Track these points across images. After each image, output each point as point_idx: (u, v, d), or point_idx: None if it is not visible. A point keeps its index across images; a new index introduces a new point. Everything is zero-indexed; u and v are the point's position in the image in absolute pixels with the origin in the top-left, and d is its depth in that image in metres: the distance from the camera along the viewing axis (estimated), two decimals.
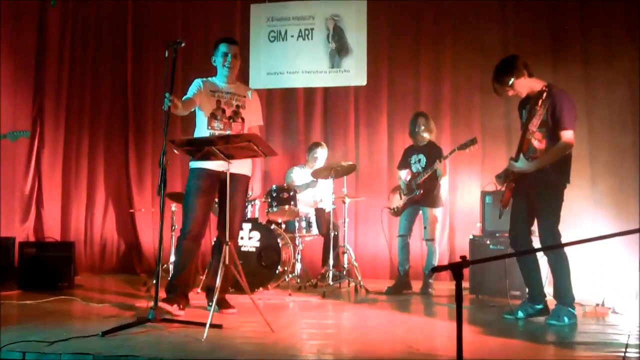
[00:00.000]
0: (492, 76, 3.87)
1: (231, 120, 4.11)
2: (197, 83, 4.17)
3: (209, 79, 4.23)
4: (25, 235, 6.57)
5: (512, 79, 3.78)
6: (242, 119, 4.17)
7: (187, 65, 6.62)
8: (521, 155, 3.75)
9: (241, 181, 4.14)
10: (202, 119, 4.13)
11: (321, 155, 6.15)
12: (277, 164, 6.70)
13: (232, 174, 3.81)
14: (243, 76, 6.99)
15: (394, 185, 5.72)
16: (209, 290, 4.25)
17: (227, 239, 3.54)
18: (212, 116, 4.09)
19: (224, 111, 4.11)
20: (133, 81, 7.17)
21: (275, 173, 6.75)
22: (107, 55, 7.19)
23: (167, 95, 3.58)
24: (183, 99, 3.99)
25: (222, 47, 4.17)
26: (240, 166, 4.02)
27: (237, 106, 4.17)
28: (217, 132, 4.05)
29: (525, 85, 3.82)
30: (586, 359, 2.79)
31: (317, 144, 6.23)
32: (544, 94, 3.61)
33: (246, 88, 4.36)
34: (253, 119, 4.26)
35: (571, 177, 3.84)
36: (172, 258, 5.35)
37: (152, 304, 3.45)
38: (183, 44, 3.65)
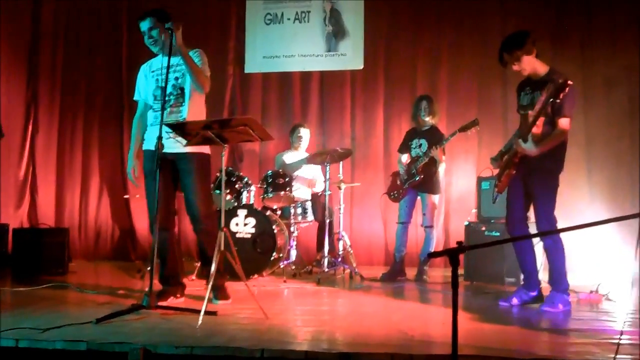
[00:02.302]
0: (501, 46, 3.81)
1: (171, 97, 3.85)
2: (138, 77, 4.10)
3: (153, 59, 4.09)
4: (20, 222, 6.57)
5: (523, 54, 3.75)
6: (181, 89, 3.89)
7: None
8: (529, 137, 3.69)
9: (192, 160, 3.84)
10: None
11: (305, 134, 6.09)
12: (273, 150, 6.65)
13: (178, 154, 3.76)
14: (239, 60, 6.94)
15: (391, 170, 5.68)
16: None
17: (222, 224, 3.51)
18: (154, 97, 3.95)
19: (163, 90, 3.78)
20: (128, 66, 7.06)
21: (271, 158, 6.69)
22: (101, 40, 7.12)
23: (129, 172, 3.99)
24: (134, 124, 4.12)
25: (140, 27, 4.02)
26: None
27: (176, 78, 3.91)
28: (157, 113, 3.82)
29: (531, 63, 3.79)
30: (580, 345, 2.79)
31: (298, 125, 6.18)
32: (567, 88, 3.52)
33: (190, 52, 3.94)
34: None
35: (568, 165, 3.82)
36: None
37: (146, 290, 3.45)
38: (172, 29, 3.58)
